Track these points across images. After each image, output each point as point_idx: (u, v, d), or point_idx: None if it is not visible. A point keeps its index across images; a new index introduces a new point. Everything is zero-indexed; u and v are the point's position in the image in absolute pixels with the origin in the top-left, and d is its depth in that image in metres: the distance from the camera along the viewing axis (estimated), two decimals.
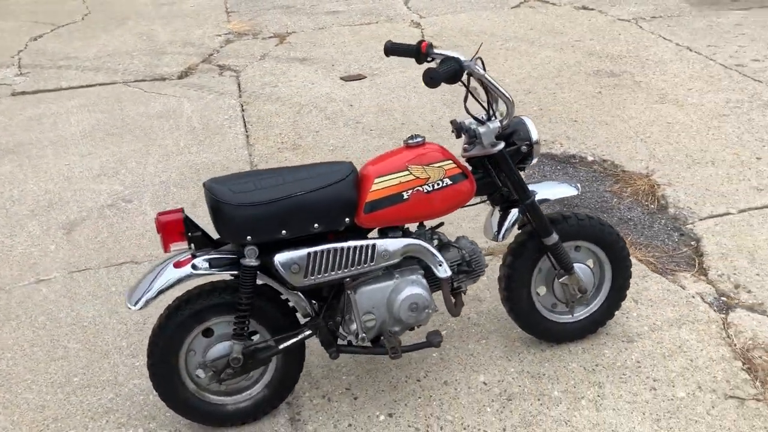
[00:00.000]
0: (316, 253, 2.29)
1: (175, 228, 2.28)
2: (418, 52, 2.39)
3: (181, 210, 2.32)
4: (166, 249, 2.31)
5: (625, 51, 5.80)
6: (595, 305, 2.73)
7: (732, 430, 2.36)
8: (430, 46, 2.39)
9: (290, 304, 2.45)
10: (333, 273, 2.32)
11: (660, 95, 4.92)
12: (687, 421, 2.40)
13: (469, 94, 2.38)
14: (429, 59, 2.40)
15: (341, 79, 5.67)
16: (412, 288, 2.40)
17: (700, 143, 4.24)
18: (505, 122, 2.43)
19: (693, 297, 2.98)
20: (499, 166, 2.47)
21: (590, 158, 4.17)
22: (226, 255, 2.32)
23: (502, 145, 2.42)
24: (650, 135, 4.34)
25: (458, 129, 2.44)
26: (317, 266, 2.30)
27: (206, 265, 2.28)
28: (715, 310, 2.90)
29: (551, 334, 2.75)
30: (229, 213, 2.21)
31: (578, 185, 2.67)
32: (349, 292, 2.36)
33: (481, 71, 2.33)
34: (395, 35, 6.58)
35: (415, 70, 5.74)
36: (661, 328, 2.81)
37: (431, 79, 2.21)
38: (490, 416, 2.48)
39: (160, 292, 2.27)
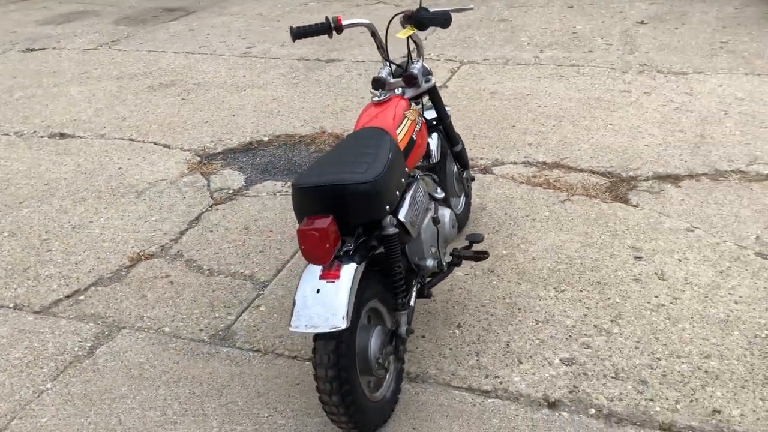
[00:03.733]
0: (413, 200, 2.42)
1: (334, 230, 2.05)
2: (336, 27, 2.64)
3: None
4: (328, 257, 2.03)
5: (144, 68, 6.04)
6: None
7: (588, 212, 3.50)
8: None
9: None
10: (419, 216, 2.48)
11: (234, 85, 5.51)
12: (584, 220, 3.41)
13: (381, 46, 2.77)
14: (339, 32, 2.67)
15: None
16: (444, 210, 2.72)
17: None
18: (422, 62, 2.89)
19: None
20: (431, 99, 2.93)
21: (266, 139, 4.59)
22: (361, 239, 2.22)
23: (434, 78, 2.89)
24: (262, 113, 4.97)
25: (384, 82, 2.74)
26: (415, 212, 2.42)
27: (361, 254, 2.15)
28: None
29: (465, 220, 3.41)
30: (372, 191, 2.12)
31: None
32: (437, 227, 2.54)
33: None
34: None
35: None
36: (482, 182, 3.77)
37: (446, 21, 2.63)
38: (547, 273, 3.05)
39: (350, 301, 2.04)
